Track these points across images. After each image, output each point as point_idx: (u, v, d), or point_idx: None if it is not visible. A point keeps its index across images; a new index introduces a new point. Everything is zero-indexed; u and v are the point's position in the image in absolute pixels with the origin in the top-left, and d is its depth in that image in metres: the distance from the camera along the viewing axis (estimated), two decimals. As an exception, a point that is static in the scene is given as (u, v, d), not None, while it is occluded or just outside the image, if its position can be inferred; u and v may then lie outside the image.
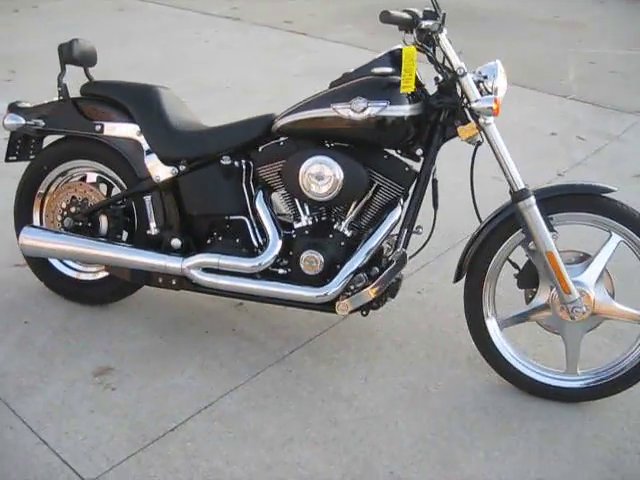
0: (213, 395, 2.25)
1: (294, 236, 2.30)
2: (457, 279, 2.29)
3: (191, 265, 2.32)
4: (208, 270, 2.32)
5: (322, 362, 2.41)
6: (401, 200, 2.27)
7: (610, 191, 2.15)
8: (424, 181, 2.23)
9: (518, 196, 2.11)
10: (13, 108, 2.50)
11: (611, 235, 2.19)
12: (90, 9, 7.14)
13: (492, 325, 2.29)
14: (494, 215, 2.23)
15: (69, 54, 2.42)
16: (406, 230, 2.25)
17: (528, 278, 2.26)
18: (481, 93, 2.13)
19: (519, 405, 2.26)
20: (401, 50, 2.16)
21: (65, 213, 2.51)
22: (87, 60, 2.48)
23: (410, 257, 2.35)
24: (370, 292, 2.20)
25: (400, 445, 2.09)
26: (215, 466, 2.00)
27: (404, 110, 2.12)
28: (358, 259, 2.22)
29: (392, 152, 2.26)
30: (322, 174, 2.17)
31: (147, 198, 2.37)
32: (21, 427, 2.10)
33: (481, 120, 2.09)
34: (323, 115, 2.17)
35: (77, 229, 2.49)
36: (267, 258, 2.27)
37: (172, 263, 2.33)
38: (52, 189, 2.56)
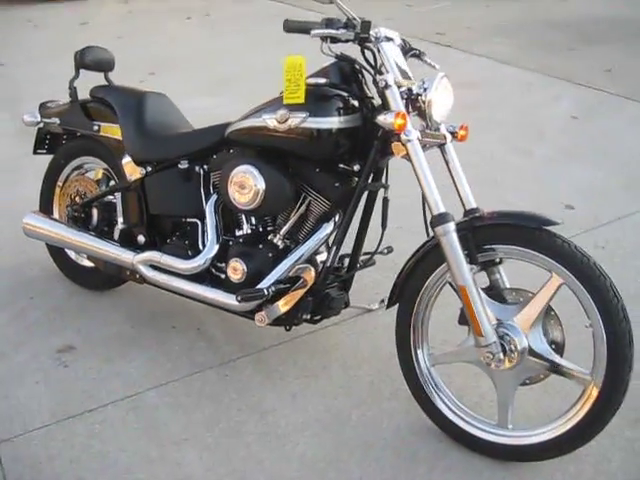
0: (143, 386, 2.35)
1: (230, 243, 2.32)
2: (389, 306, 2.16)
3: (139, 260, 2.45)
4: (154, 267, 2.43)
5: (262, 373, 2.41)
6: (336, 216, 2.20)
7: (552, 224, 1.90)
8: (357, 199, 2.14)
9: (435, 221, 1.94)
10: (40, 107, 2.82)
11: (552, 276, 1.92)
12: (258, 16, 7.61)
13: (420, 359, 2.13)
14: (425, 241, 2.07)
15: (81, 60, 2.67)
16: (335, 248, 2.18)
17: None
18: (419, 107, 2.00)
19: (437, 451, 2.07)
20: (349, 62, 2.10)
21: (70, 204, 2.78)
22: (100, 66, 2.70)
23: (340, 275, 2.29)
24: (280, 306, 2.16)
25: (286, 467, 2.03)
26: (105, 450, 2.10)
27: (329, 122, 2.05)
28: (279, 272, 2.19)
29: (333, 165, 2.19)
30: (244, 183, 2.18)
31: (118, 195, 2.55)
32: (-26, 386, 2.39)
33: (402, 136, 1.95)
34: (256, 125, 2.17)
35: (75, 219, 2.74)
36: (200, 262, 2.32)
37: (126, 256, 2.48)
38: (68, 181, 2.85)
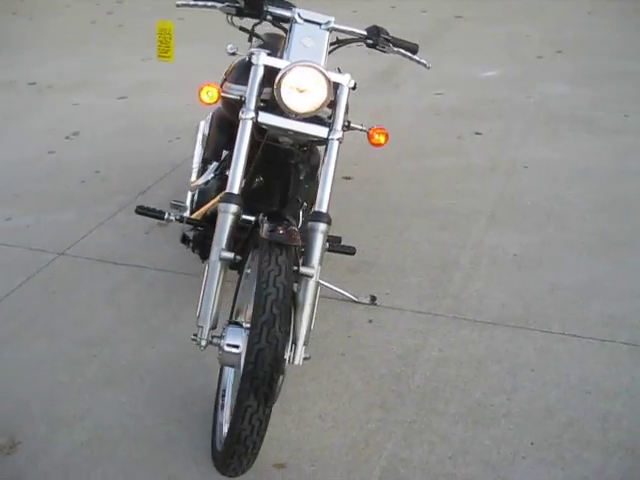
0: (133, 262, 2.96)
1: None
2: None
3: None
4: None
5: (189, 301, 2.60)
6: None
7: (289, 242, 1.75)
8: None
9: (223, 198, 1.99)
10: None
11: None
12: None
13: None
14: None
15: None
16: None
17: None
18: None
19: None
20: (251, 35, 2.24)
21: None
22: None
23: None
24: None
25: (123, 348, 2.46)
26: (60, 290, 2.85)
27: (239, 90, 2.14)
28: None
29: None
30: (205, 128, 2.60)
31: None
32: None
33: (240, 114, 1.99)
34: None
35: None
36: (198, 182, 2.68)
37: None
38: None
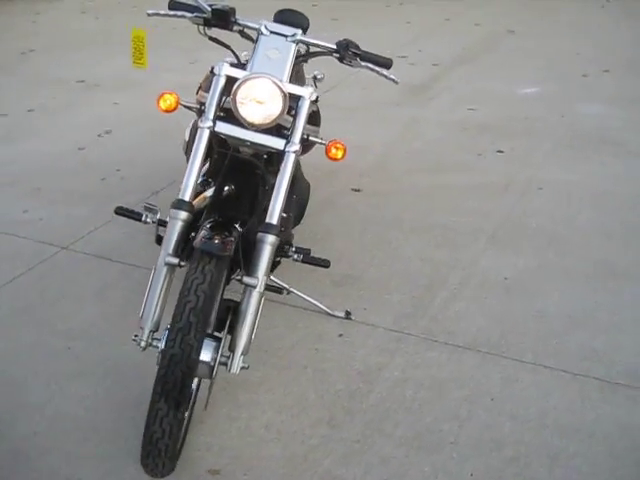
0: (126, 260, 3.03)
1: None
2: None
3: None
4: None
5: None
6: None
7: (219, 256, 1.76)
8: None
9: (173, 203, 2.03)
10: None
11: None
12: None
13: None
14: None
15: (275, 19, 3.20)
16: None
17: None
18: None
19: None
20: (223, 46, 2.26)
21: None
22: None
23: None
24: None
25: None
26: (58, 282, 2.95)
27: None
28: None
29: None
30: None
31: None
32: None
33: (199, 122, 2.02)
34: None
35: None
36: None
37: None
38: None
